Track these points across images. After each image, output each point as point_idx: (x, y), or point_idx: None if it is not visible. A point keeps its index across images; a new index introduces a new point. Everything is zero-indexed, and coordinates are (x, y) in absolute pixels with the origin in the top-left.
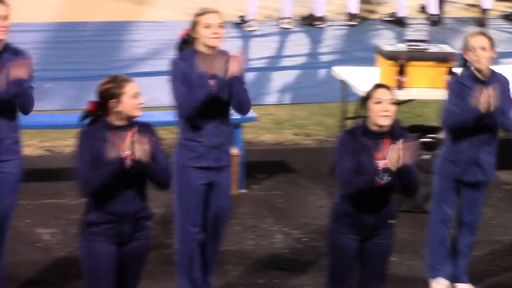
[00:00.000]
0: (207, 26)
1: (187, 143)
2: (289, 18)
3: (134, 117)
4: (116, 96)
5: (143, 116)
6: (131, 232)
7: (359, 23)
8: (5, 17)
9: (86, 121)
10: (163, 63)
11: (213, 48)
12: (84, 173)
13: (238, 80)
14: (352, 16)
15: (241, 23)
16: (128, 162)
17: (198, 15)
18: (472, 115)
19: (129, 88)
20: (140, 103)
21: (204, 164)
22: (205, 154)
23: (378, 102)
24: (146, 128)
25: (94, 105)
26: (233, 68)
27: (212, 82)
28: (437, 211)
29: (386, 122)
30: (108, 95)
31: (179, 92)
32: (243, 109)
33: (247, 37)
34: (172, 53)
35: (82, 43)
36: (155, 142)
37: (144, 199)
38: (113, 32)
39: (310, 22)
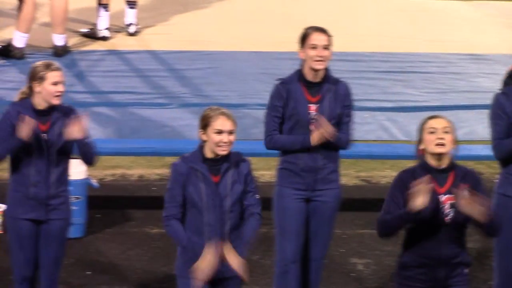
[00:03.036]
0: None
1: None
2: None
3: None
4: (420, 134)
5: (460, 150)
6: (446, 278)
7: None
8: (326, 47)
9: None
10: (483, 96)
11: None
12: (385, 215)
13: None
14: None
15: None
16: (447, 212)
17: None
18: None
19: (429, 125)
20: (441, 139)
21: None
22: None
23: None
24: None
25: (422, 150)
26: None
27: None
28: None
29: None
30: (420, 132)
31: (496, 130)
32: None
33: None
34: (492, 87)
35: (402, 74)
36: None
37: (462, 243)
38: (433, 64)
39: None
